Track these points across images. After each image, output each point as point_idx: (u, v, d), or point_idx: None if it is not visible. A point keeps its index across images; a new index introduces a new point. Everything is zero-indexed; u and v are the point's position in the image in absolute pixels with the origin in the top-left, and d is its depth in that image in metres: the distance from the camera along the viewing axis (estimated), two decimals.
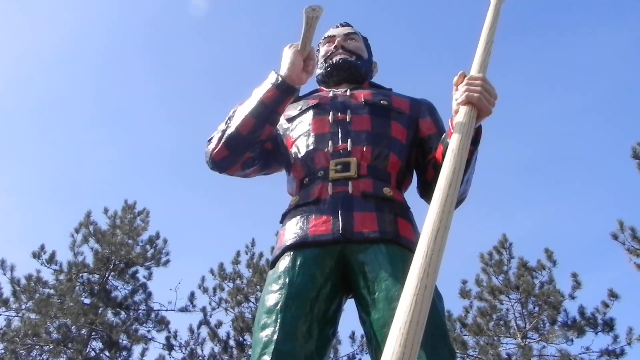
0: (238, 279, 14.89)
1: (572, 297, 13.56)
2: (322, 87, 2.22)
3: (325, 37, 2.31)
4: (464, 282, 14.77)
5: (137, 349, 13.85)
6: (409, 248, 1.63)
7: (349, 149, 1.85)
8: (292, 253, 1.72)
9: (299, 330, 1.57)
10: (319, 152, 1.88)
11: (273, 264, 1.77)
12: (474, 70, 1.73)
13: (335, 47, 2.23)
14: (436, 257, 1.23)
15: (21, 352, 12.31)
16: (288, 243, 1.74)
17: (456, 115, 1.64)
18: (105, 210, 15.36)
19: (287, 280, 1.65)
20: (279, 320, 1.57)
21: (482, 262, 14.92)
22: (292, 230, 1.76)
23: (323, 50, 2.28)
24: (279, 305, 1.61)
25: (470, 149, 1.65)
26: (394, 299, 1.48)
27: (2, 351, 12.45)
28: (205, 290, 14.74)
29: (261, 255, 15.05)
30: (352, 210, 1.73)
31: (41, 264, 13.98)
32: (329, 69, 2.18)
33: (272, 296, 1.64)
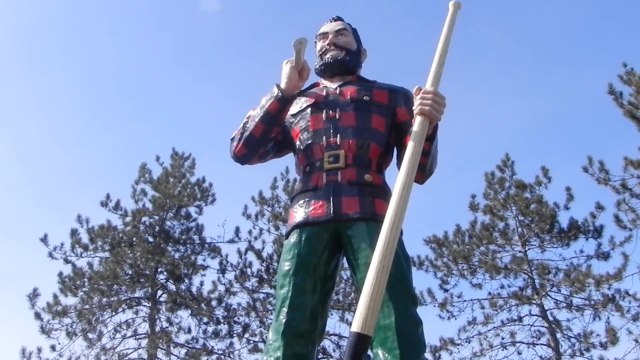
0: (276, 204, 15.17)
1: (567, 208, 13.86)
2: (319, 81, 2.41)
3: (319, 34, 2.45)
4: (473, 196, 14.84)
5: (195, 278, 14.66)
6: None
7: (338, 143, 2.11)
8: (298, 230, 2.04)
9: (306, 287, 1.93)
10: (316, 146, 2.14)
11: (287, 236, 2.11)
12: (428, 84, 1.96)
13: (328, 44, 2.37)
14: (392, 243, 1.57)
15: (104, 288, 13.35)
16: (295, 222, 2.06)
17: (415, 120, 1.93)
18: (157, 158, 15.83)
19: (296, 251, 2.00)
20: (291, 282, 1.94)
21: (486, 181, 15.11)
22: (298, 212, 2.08)
23: (318, 45, 2.43)
24: (291, 270, 1.96)
25: (427, 144, 1.95)
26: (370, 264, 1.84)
27: (88, 289, 13.51)
28: (248, 217, 15.02)
29: (295, 180, 15.30)
30: (341, 196, 2.03)
31: (108, 211, 14.69)
32: (322, 67, 2.36)
33: (286, 263, 2.00)
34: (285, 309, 1.91)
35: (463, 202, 15.43)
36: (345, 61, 2.34)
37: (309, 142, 2.17)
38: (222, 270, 14.64)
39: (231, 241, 14.85)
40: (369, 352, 1.64)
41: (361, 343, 1.43)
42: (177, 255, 14.56)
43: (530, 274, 13.54)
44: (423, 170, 2.06)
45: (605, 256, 12.80)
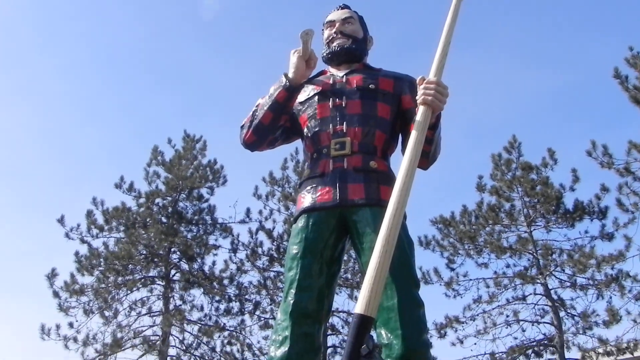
0: (286, 184, 15.19)
1: (572, 190, 13.81)
2: (326, 69, 2.42)
3: (326, 22, 2.44)
4: (480, 177, 14.82)
5: (208, 257, 14.80)
6: None
7: (344, 130, 2.13)
8: (306, 215, 2.08)
9: (313, 270, 1.98)
10: (323, 133, 2.17)
11: (295, 220, 2.15)
12: (431, 74, 1.98)
13: (335, 32, 2.37)
14: (394, 228, 1.62)
15: (119, 268, 13.56)
16: (303, 207, 2.10)
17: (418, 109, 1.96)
18: (169, 141, 15.90)
19: (303, 235, 2.04)
20: (299, 265, 1.99)
21: (492, 162, 15.00)
22: (306, 197, 2.12)
23: (326, 33, 2.43)
24: (299, 254, 2.01)
25: (430, 132, 1.98)
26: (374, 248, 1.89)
27: (104, 268, 13.73)
28: (259, 197, 15.10)
29: (305, 162, 14.90)
30: (347, 182, 2.06)
31: (122, 193, 14.84)
32: (329, 55, 2.36)
33: (294, 247, 2.04)
34: (293, 291, 1.96)
35: (470, 183, 15.43)
36: (352, 49, 2.35)
37: (316, 129, 2.20)
38: (234, 250, 14.81)
39: (242, 221, 14.99)
40: (372, 333, 1.70)
41: (364, 324, 1.49)
42: (189, 236, 14.72)
43: (535, 254, 13.56)
44: (426, 157, 2.09)
45: (610, 237, 12.78)
